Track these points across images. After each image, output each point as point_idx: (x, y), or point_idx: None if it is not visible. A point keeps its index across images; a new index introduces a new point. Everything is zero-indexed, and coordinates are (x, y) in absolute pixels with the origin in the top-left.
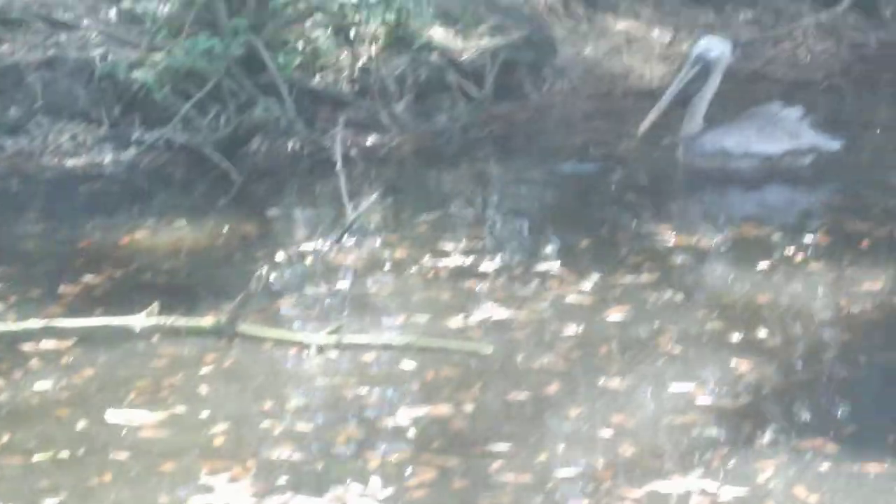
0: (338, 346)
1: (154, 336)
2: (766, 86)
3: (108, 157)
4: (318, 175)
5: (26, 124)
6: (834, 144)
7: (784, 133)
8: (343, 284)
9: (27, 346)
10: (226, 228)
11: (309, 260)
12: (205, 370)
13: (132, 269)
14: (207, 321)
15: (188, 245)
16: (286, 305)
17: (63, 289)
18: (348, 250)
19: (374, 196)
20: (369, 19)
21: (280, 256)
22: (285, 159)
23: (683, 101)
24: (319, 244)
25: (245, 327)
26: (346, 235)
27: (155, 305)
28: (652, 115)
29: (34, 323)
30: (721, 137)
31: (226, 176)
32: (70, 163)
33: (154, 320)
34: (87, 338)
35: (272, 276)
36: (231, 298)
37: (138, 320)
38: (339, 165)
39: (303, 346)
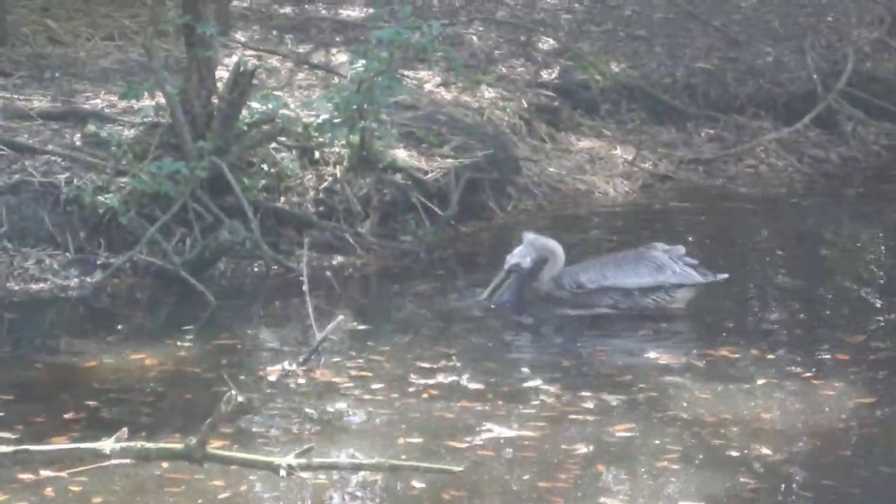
0: (307, 468)
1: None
2: (729, 202)
3: (74, 281)
4: (284, 296)
5: None
6: (707, 279)
7: (646, 269)
8: (334, 406)
9: (28, 474)
10: (194, 350)
11: (284, 381)
12: (222, 495)
13: (100, 393)
14: (177, 445)
15: (156, 367)
16: (264, 427)
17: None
18: (327, 370)
19: (341, 318)
20: (333, 140)
21: (252, 378)
22: (251, 281)
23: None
24: (288, 365)
25: (214, 450)
26: (314, 356)
27: (123, 430)
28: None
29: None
30: (577, 274)
31: (191, 298)
32: (36, 287)
33: (123, 445)
34: (102, 466)
35: (243, 398)
36: (201, 421)
37: (108, 445)
38: (305, 287)
39: (272, 468)
